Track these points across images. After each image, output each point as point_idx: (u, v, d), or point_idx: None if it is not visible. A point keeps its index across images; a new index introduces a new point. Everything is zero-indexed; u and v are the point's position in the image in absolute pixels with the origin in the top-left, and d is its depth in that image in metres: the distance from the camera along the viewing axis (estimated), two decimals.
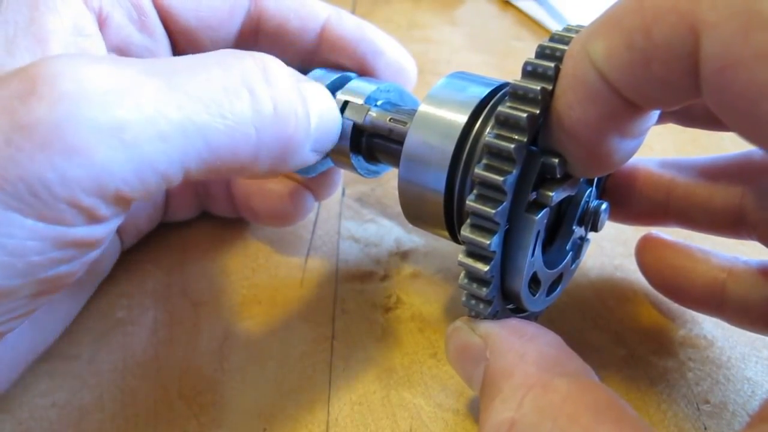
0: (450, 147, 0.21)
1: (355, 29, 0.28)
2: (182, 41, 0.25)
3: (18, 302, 0.18)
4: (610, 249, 0.31)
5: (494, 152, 0.18)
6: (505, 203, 0.18)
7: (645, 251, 0.27)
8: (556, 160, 0.19)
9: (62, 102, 0.16)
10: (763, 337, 0.27)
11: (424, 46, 0.50)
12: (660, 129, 0.42)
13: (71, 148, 0.16)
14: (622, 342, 0.27)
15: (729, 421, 0.24)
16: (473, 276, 0.20)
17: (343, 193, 0.35)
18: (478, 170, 0.19)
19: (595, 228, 0.24)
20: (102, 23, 0.22)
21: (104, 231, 0.18)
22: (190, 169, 0.18)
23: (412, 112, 0.23)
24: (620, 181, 0.26)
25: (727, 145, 0.39)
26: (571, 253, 0.24)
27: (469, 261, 0.20)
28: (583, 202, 0.23)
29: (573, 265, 0.25)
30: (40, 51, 0.19)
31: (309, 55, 0.28)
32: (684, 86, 0.15)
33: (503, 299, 0.21)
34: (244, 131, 0.19)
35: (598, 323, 0.28)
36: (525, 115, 0.18)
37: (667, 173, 0.25)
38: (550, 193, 0.19)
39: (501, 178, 0.18)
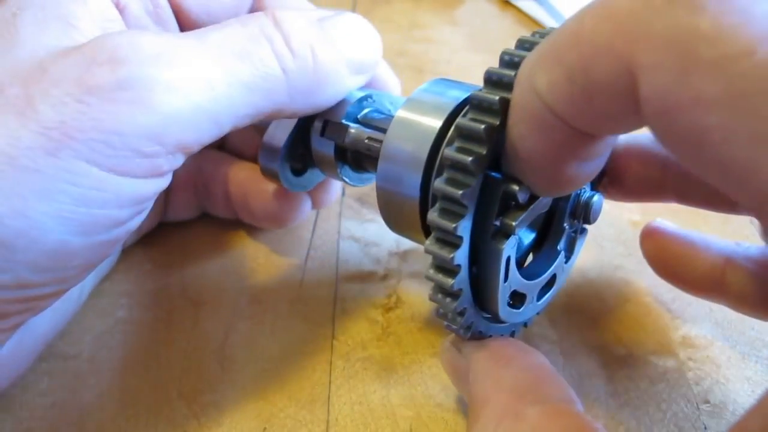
0: (424, 153, 0.21)
1: None
2: None
3: (70, 271, 0.20)
4: (610, 249, 0.31)
5: (454, 165, 0.18)
6: (465, 216, 0.18)
7: (648, 239, 0.27)
8: (517, 188, 0.19)
9: (122, 65, 0.18)
10: (763, 337, 0.27)
11: (424, 46, 0.50)
12: None
13: (135, 101, 0.18)
14: (622, 342, 0.27)
15: (729, 421, 0.24)
16: (442, 289, 0.20)
17: (343, 193, 0.35)
18: (438, 184, 0.18)
19: (588, 220, 0.24)
20: (120, 14, 0.23)
21: (157, 187, 0.20)
22: (237, 114, 0.21)
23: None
24: (616, 158, 0.26)
25: None
26: (563, 252, 0.24)
27: (436, 274, 0.19)
28: (574, 195, 0.23)
29: (567, 263, 0.25)
30: (70, 30, 0.21)
31: None
32: (630, 120, 0.15)
33: (485, 312, 0.21)
34: (274, 74, 0.21)
35: (598, 323, 0.28)
36: (483, 126, 0.17)
37: (662, 150, 0.25)
38: (513, 223, 0.19)
39: (459, 191, 0.18)
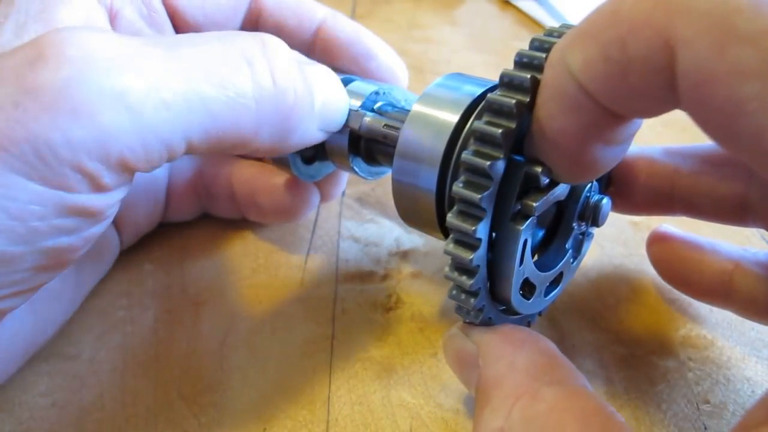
0: (441, 147, 0.21)
1: (350, 32, 0.28)
2: None
3: (20, 274, 0.18)
4: (610, 249, 0.31)
5: (471, 169, 0.18)
6: (484, 219, 0.18)
7: (655, 245, 0.27)
8: (540, 169, 0.19)
9: (68, 66, 0.17)
10: (763, 337, 0.27)
11: (424, 46, 0.50)
12: (660, 129, 0.42)
13: (76, 110, 0.16)
14: (622, 342, 0.27)
15: (729, 421, 0.24)
16: (461, 288, 0.20)
17: (343, 193, 0.35)
18: (457, 188, 0.19)
19: (596, 223, 0.24)
20: (113, 18, 0.23)
21: (107, 201, 0.19)
22: (192, 140, 0.19)
23: (407, 114, 0.23)
24: (624, 170, 0.26)
25: None
26: (570, 250, 0.24)
27: (455, 275, 0.20)
28: (583, 197, 0.23)
29: (574, 263, 0.25)
30: None
31: (305, 53, 0.28)
32: (662, 97, 0.15)
33: (497, 302, 0.21)
34: (245, 103, 0.19)
35: (598, 323, 0.28)
36: (500, 131, 0.18)
37: (671, 161, 0.25)
38: (534, 204, 0.19)
39: (478, 195, 0.18)
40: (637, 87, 0.15)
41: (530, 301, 0.22)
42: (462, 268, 0.19)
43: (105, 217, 0.19)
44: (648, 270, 0.30)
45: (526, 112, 0.18)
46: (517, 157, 0.19)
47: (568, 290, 0.29)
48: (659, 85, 0.15)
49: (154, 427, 0.24)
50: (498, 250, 0.20)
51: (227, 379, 0.25)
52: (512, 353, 0.19)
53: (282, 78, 0.20)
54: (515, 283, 0.20)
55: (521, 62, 0.18)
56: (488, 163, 0.18)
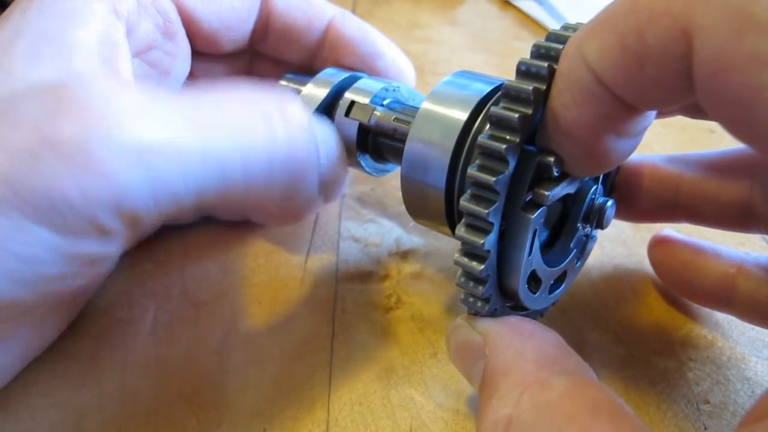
0: (450, 144, 0.21)
1: (358, 31, 0.28)
2: (201, 42, 0.26)
3: (21, 311, 0.18)
4: (610, 249, 0.31)
5: (487, 152, 0.18)
6: (497, 203, 0.18)
7: (656, 249, 0.27)
8: (552, 159, 0.19)
9: (88, 120, 0.17)
10: (763, 337, 0.27)
11: (424, 46, 0.50)
12: (660, 129, 0.42)
13: (94, 166, 0.17)
14: (622, 342, 0.27)
15: (729, 421, 0.24)
16: (469, 275, 0.20)
17: (343, 194, 0.35)
18: (471, 171, 0.19)
19: (600, 225, 0.24)
20: (129, 30, 0.22)
21: (115, 248, 0.19)
22: (205, 195, 0.19)
23: (416, 111, 0.23)
24: (627, 178, 0.26)
25: (727, 144, 0.39)
26: (575, 250, 0.24)
27: (465, 260, 0.20)
28: (588, 199, 0.23)
29: (578, 263, 0.25)
30: (63, 62, 0.19)
31: (313, 52, 0.28)
32: (678, 87, 0.15)
33: (503, 297, 0.21)
34: (260, 164, 0.20)
35: (598, 323, 0.28)
36: (517, 115, 0.18)
37: (675, 169, 0.25)
38: (546, 192, 0.19)
39: (493, 178, 0.18)
40: (654, 76, 0.15)
41: (536, 295, 0.22)
42: (472, 253, 0.20)
43: (110, 261, 0.20)
44: (648, 270, 0.30)
45: (541, 100, 0.18)
46: (530, 147, 0.19)
47: (569, 291, 0.29)
48: (675, 74, 0.15)
49: (154, 427, 0.23)
50: (507, 239, 0.20)
51: (227, 379, 0.25)
52: (520, 343, 0.19)
53: (296, 140, 0.21)
54: (524, 273, 0.20)
55: (538, 53, 0.19)
56: (504, 146, 0.18)
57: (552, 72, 0.18)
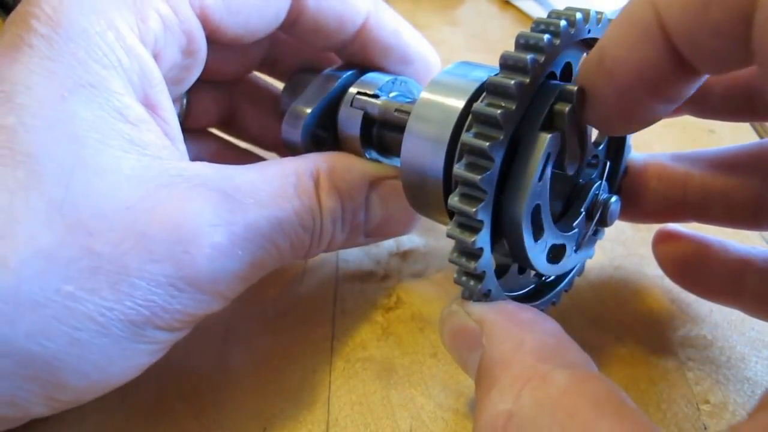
0: (447, 133, 0.21)
1: (390, 35, 0.28)
2: (221, 46, 0.25)
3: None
4: (610, 249, 0.31)
5: (471, 150, 0.18)
6: (484, 202, 0.18)
7: (662, 244, 0.26)
8: (576, 87, 0.19)
9: (208, 252, 0.20)
10: (763, 337, 0.27)
11: None
12: (660, 129, 0.42)
13: (203, 289, 0.21)
14: (622, 342, 0.27)
15: (729, 421, 0.24)
16: (462, 249, 0.20)
17: None
18: (457, 169, 0.18)
19: (605, 222, 0.23)
20: (156, 58, 0.22)
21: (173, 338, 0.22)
22: (248, 281, 0.23)
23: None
24: (634, 176, 0.25)
25: (728, 144, 0.39)
26: (577, 230, 0.23)
27: (457, 232, 0.19)
28: (591, 194, 0.23)
29: (580, 255, 0.24)
30: (122, 121, 0.20)
31: (342, 47, 0.28)
32: (736, 38, 0.15)
33: (503, 257, 0.21)
34: (297, 254, 0.24)
35: (598, 323, 0.28)
36: (499, 111, 0.18)
37: (681, 167, 0.25)
38: (565, 109, 0.19)
39: (479, 176, 0.18)
40: (716, 21, 0.15)
41: (537, 243, 0.21)
42: (465, 251, 0.19)
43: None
44: (648, 270, 0.30)
45: (525, 94, 0.18)
46: (554, 82, 0.19)
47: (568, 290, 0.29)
48: (737, 20, 0.15)
49: (154, 427, 0.23)
50: (517, 165, 0.19)
51: (227, 379, 0.25)
52: (519, 333, 0.19)
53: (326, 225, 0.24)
54: (529, 201, 0.20)
55: (525, 44, 0.19)
56: (488, 144, 0.18)
57: (536, 64, 0.18)
